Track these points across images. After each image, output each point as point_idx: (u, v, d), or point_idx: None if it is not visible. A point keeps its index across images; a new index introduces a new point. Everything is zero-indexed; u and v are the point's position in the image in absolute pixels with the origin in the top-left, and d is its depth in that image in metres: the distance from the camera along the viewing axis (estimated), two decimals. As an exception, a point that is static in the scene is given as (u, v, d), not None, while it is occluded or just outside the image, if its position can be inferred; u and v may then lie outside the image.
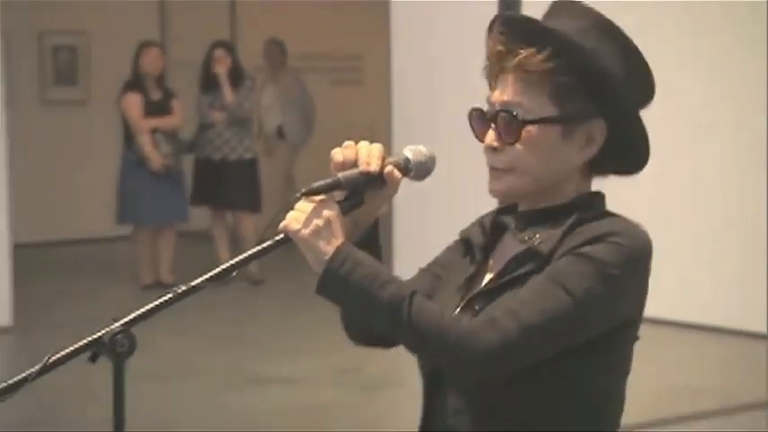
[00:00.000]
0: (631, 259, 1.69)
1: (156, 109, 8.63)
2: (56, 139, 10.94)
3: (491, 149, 1.78)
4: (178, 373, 6.31)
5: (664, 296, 7.20)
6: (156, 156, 8.53)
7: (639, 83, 1.81)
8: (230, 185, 8.74)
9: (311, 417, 5.46)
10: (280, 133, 10.15)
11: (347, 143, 1.76)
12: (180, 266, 8.44)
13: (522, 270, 1.71)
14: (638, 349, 1.79)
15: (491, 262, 1.82)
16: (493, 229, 1.84)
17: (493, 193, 1.80)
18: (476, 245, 1.84)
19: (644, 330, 1.79)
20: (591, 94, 1.75)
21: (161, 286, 8.03)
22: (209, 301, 7.37)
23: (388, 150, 1.82)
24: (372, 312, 1.69)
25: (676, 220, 7.37)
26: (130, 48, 8.86)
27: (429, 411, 1.82)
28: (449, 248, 1.93)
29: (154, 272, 8.66)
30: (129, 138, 8.66)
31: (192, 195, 9.00)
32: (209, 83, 8.86)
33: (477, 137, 1.81)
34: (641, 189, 7.48)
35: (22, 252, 8.35)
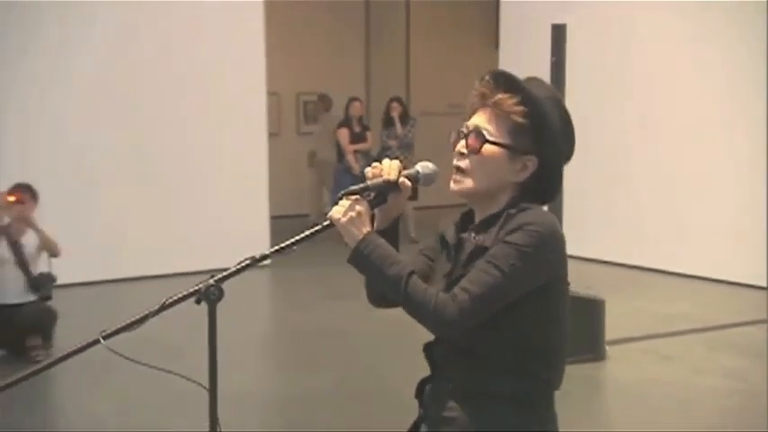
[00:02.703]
0: (542, 240, 1.45)
1: (357, 138, 8.60)
2: (304, 155, 10.86)
3: (459, 154, 1.56)
4: (344, 296, 6.08)
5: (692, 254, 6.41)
6: (356, 166, 8.48)
7: (568, 144, 1.57)
8: (400, 184, 8.57)
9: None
10: None
11: (375, 164, 1.59)
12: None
13: (475, 262, 1.49)
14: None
15: (460, 257, 1.58)
16: (458, 234, 1.62)
17: (452, 191, 1.57)
18: (450, 244, 1.61)
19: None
20: (535, 138, 1.52)
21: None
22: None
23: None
24: (382, 283, 1.49)
25: (692, 202, 6.48)
26: (345, 101, 8.81)
27: (428, 355, 1.62)
28: (435, 239, 1.69)
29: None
30: (340, 155, 8.69)
31: (377, 190, 8.89)
32: (388, 122, 8.70)
33: (452, 145, 1.59)
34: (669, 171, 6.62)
35: (277, 221, 8.28)
